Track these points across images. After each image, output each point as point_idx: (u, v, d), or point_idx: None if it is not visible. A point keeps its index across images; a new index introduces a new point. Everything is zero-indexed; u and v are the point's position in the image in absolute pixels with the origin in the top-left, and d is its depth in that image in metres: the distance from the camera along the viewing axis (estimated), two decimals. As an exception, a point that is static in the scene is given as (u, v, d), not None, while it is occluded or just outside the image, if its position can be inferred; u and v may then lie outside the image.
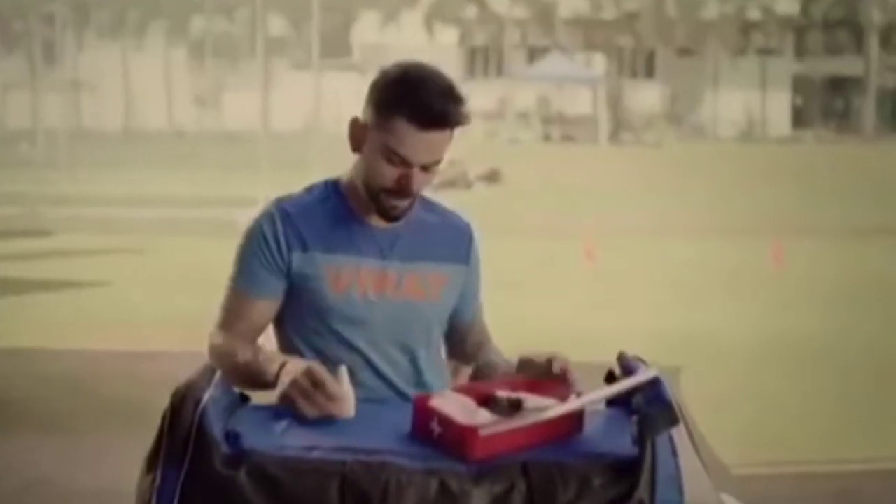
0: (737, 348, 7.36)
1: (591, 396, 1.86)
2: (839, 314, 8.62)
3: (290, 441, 1.87)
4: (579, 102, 40.14)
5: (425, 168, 2.25)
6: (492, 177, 20.50)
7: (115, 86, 40.30)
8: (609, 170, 24.79)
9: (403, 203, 2.28)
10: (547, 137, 36.65)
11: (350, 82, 40.81)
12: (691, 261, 11.40)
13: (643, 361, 2.04)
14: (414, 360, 2.37)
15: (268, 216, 2.33)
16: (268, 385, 2.12)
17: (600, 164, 26.78)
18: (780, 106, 45.63)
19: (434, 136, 2.21)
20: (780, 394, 6.24)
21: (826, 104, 47.40)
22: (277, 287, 2.32)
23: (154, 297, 9.05)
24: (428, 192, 2.42)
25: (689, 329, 7.86)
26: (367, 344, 2.31)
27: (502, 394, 1.98)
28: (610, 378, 2.09)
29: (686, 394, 5.59)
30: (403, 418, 1.96)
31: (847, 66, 45.80)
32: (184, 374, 1.94)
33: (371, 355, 2.32)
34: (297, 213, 2.33)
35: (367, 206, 2.33)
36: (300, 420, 1.98)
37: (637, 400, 1.92)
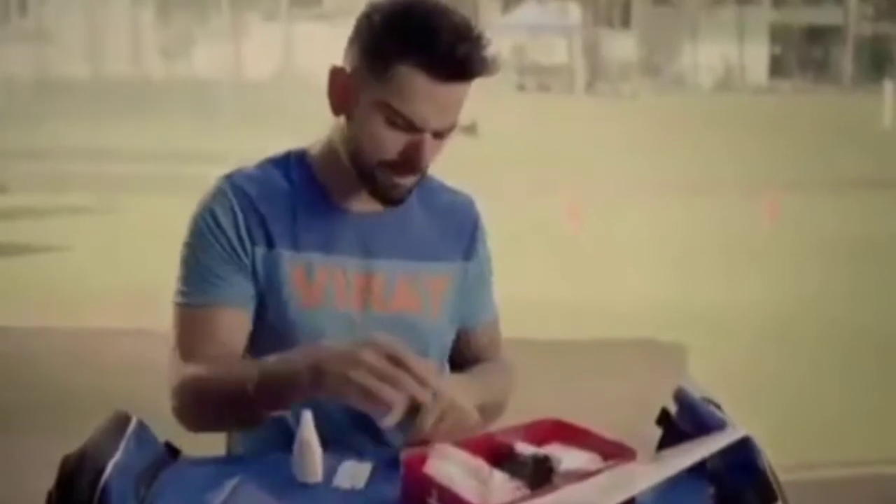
0: (738, 319, 6.86)
1: (661, 472, 1.31)
2: (839, 273, 8.22)
3: (232, 524, 1.35)
4: (555, 52, 39.57)
5: (438, 134, 1.67)
6: (470, 129, 19.87)
7: (80, 37, 39.30)
8: (587, 122, 24.22)
9: (409, 180, 1.70)
10: (522, 87, 35.92)
11: (321, 32, 40.17)
12: (681, 221, 10.85)
13: (715, 404, 1.52)
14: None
15: (220, 199, 1.72)
16: (251, 402, 1.54)
17: (577, 117, 26.20)
18: (757, 55, 45.15)
19: (453, 91, 1.64)
20: (787, 371, 5.78)
21: (804, 53, 46.95)
22: (246, 290, 1.71)
23: (118, 264, 8.24)
24: None
25: (685, 298, 7.36)
26: None
27: (525, 449, 1.45)
28: (664, 419, 1.57)
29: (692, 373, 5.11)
30: (388, 485, 1.44)
31: (825, 14, 45.46)
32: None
33: None
34: (257, 195, 1.73)
35: (347, 186, 1.74)
36: (247, 485, 1.45)
37: (714, 463, 1.39)
